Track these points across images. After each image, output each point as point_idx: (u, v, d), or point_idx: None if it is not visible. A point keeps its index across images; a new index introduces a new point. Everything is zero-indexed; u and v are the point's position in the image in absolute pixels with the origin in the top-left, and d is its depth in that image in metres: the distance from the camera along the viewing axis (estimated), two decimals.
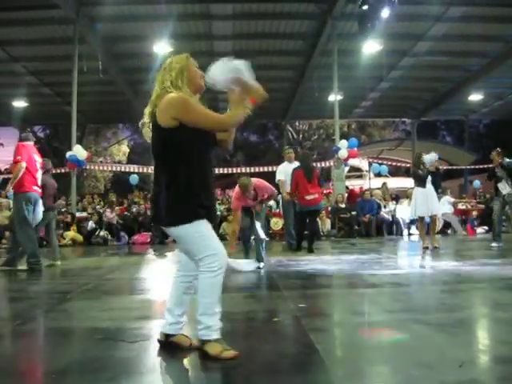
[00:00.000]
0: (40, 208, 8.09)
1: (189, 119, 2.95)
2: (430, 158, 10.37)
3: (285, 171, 10.70)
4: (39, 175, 8.06)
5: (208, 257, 2.93)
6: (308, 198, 9.68)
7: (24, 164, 7.66)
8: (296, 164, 10.62)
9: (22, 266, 7.81)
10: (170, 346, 3.07)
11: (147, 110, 3.09)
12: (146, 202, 17.75)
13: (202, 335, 2.90)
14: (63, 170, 17.82)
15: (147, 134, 3.12)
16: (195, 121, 2.97)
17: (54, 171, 20.71)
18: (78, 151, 15.39)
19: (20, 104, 22.89)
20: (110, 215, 15.57)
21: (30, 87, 21.18)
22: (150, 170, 22.43)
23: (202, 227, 3.02)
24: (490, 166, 10.65)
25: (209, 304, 2.94)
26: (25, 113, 24.17)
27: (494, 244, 10.07)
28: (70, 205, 17.23)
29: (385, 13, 12.56)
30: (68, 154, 15.61)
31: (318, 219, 13.73)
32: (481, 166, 25.18)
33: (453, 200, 16.90)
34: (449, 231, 16.79)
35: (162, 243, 14.55)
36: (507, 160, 10.29)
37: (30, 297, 5.42)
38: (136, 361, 2.86)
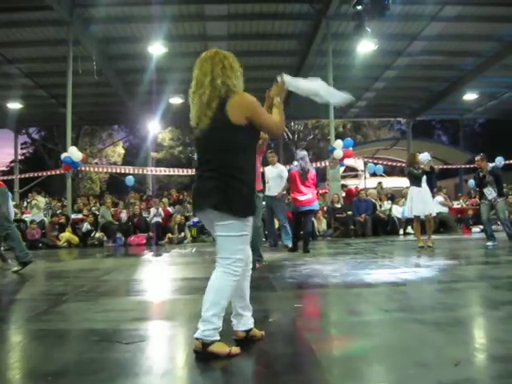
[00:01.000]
0: None
1: (259, 121, 3.16)
2: (423, 157, 10.40)
3: (266, 175, 10.92)
4: None
5: (237, 260, 3.10)
6: (301, 198, 9.71)
7: None
8: (278, 167, 10.99)
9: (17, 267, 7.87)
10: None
11: (206, 111, 3.20)
12: (141, 203, 17.73)
13: (210, 336, 2.93)
14: (58, 172, 17.79)
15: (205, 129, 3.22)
16: (263, 123, 3.20)
17: (49, 173, 20.83)
18: (73, 153, 15.35)
19: (15, 106, 22.81)
20: (126, 216, 15.62)
21: (25, 89, 21.11)
22: (146, 171, 22.45)
23: (249, 227, 3.17)
24: (475, 173, 10.73)
25: (223, 306, 3.03)
26: (20, 115, 24.11)
27: (489, 243, 10.10)
28: (66, 206, 17.21)
29: (379, 13, 12.57)
30: (63, 155, 15.57)
31: (313, 219, 13.76)
32: (476, 166, 25.25)
33: (441, 199, 16.85)
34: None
35: (157, 244, 14.57)
36: (493, 165, 10.41)
37: (26, 298, 5.41)
38: (132, 362, 2.86)
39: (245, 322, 3.27)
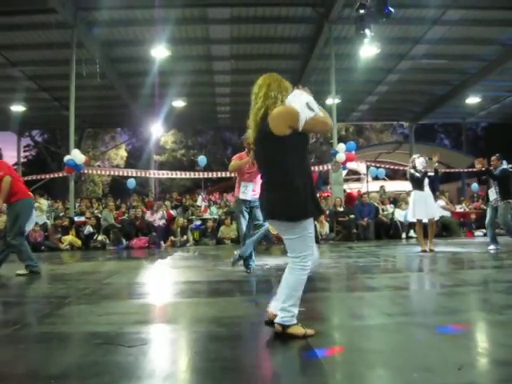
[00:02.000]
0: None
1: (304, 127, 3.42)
2: (419, 161, 10.42)
3: None
4: None
5: (306, 257, 3.42)
6: None
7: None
8: None
9: (22, 271, 7.87)
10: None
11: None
12: (143, 205, 17.73)
13: (287, 321, 3.36)
14: (61, 175, 17.80)
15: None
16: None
17: (52, 175, 20.84)
18: (76, 155, 15.37)
19: (18, 109, 22.85)
20: (152, 217, 15.63)
21: (28, 92, 21.17)
22: (148, 174, 22.45)
23: (312, 226, 3.50)
24: (484, 168, 10.66)
25: (297, 296, 3.44)
26: (23, 117, 24.16)
27: (491, 247, 10.09)
28: (69, 209, 17.21)
29: (382, 17, 12.57)
30: (66, 158, 15.58)
31: (315, 223, 13.84)
32: (491, 164, 25.20)
33: (442, 203, 16.84)
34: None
35: (160, 247, 14.57)
36: (504, 166, 10.40)
37: (29, 301, 5.41)
38: (135, 365, 2.86)
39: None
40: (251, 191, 7.26)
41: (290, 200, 3.39)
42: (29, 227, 8.37)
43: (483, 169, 10.57)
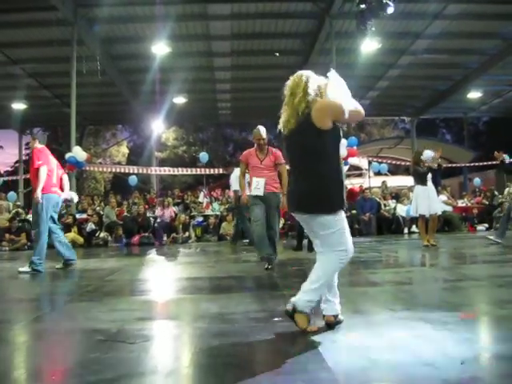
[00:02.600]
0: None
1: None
2: (427, 155, 10.37)
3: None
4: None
5: (341, 251, 3.46)
6: None
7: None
8: (232, 175, 12.25)
9: (58, 265, 8.13)
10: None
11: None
12: (145, 202, 17.73)
13: (301, 306, 3.43)
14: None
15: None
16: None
17: None
18: (78, 153, 15.34)
19: (19, 106, 22.83)
20: (161, 212, 15.67)
21: (29, 89, 21.14)
22: (149, 171, 22.45)
23: (343, 220, 3.51)
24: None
25: (322, 284, 3.48)
26: (24, 115, 24.13)
27: (493, 237, 10.05)
28: (71, 206, 17.22)
29: (383, 11, 12.54)
30: (67, 155, 15.55)
31: None
32: (480, 164, 25.17)
33: (444, 198, 16.83)
34: None
35: (162, 244, 14.59)
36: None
37: (32, 298, 5.42)
38: (137, 361, 2.86)
39: (332, 307, 3.59)
40: (263, 187, 7.28)
41: (331, 192, 3.46)
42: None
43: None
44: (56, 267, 8.05)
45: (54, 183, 8.12)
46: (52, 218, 8.06)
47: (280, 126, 3.68)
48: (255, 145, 7.45)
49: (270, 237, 7.35)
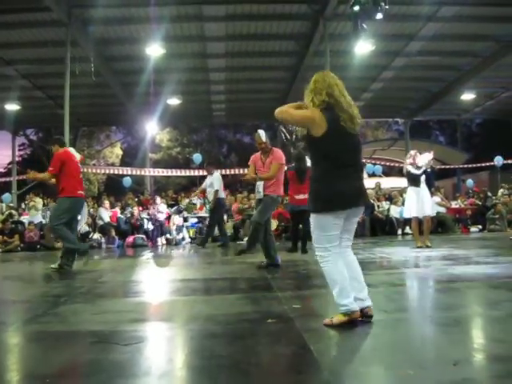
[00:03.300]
0: None
1: None
2: (424, 159, 10.39)
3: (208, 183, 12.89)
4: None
5: None
6: (298, 197, 9.66)
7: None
8: (213, 176, 12.80)
9: (53, 265, 8.07)
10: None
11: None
12: (139, 204, 17.69)
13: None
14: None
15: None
16: None
17: None
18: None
19: (12, 107, 22.72)
20: (154, 211, 15.66)
21: (23, 90, 21.05)
22: (143, 172, 22.41)
23: None
24: None
25: None
26: (17, 116, 24.00)
27: None
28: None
29: (376, 13, 12.57)
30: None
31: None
32: (474, 165, 25.26)
33: (438, 200, 16.88)
34: None
35: (156, 245, 14.58)
36: None
37: (24, 300, 5.40)
38: (130, 364, 2.85)
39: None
40: (262, 190, 7.32)
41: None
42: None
43: None
44: (51, 266, 8.02)
45: (79, 184, 8.17)
46: (70, 220, 8.09)
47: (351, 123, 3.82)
48: (260, 151, 7.48)
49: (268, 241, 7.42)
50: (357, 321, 3.51)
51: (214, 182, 12.61)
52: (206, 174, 13.74)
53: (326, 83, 3.76)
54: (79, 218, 8.69)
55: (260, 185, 7.36)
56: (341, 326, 3.58)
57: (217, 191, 12.46)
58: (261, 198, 7.35)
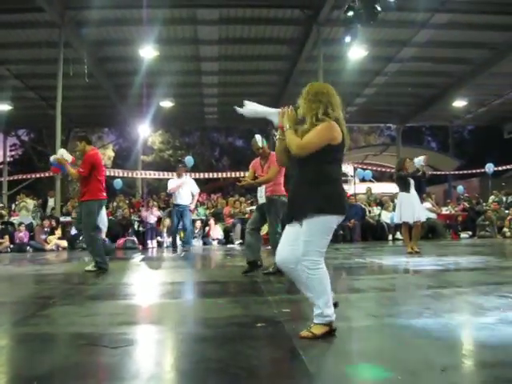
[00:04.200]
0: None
1: None
2: (418, 160, 10.44)
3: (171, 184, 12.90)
4: None
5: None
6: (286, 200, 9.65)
7: None
8: (184, 178, 12.88)
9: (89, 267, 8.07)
10: None
11: None
12: (130, 206, 17.64)
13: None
14: (47, 174, 17.70)
15: None
16: None
17: (38, 175, 20.73)
18: (63, 155, 15.20)
19: (4, 107, 22.62)
20: (146, 213, 15.62)
21: (15, 90, 20.98)
22: (135, 174, 22.36)
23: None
24: None
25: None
26: (9, 116, 23.90)
27: None
28: (55, 209, 17.11)
29: (370, 19, 12.61)
30: (52, 158, 15.41)
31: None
32: (465, 172, 25.38)
33: (429, 206, 16.95)
34: None
35: (146, 247, 14.54)
36: None
37: (13, 302, 5.37)
38: (119, 366, 2.84)
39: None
40: (264, 194, 7.29)
41: None
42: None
43: None
44: (85, 269, 8.04)
45: (104, 188, 8.18)
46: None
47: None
48: (259, 156, 7.45)
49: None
50: (335, 330, 3.45)
51: (193, 185, 12.76)
52: (197, 177, 13.78)
53: (337, 99, 3.78)
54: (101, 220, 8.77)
55: (261, 189, 7.33)
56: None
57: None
58: (263, 202, 7.31)
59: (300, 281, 3.54)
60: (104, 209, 9.12)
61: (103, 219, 8.94)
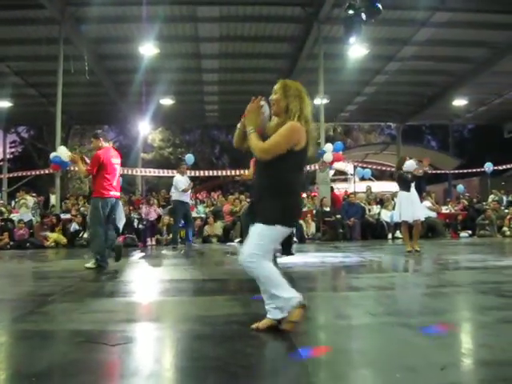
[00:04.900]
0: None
1: None
2: (409, 165, 10.39)
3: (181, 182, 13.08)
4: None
5: None
6: None
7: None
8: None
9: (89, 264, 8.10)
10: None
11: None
12: (129, 204, 17.63)
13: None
14: (47, 172, 17.69)
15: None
16: None
17: (38, 172, 20.71)
18: (63, 152, 15.22)
19: (4, 104, 22.63)
20: (146, 210, 15.62)
21: (15, 87, 20.98)
22: (135, 172, 22.37)
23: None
24: None
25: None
26: (9, 113, 23.92)
27: None
28: (54, 206, 17.10)
29: (371, 17, 12.60)
30: (52, 155, 15.43)
31: (302, 222, 14.27)
32: (465, 171, 25.37)
33: (429, 204, 16.95)
34: None
35: (146, 245, 14.54)
36: None
37: (11, 299, 5.36)
38: (118, 364, 2.84)
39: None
40: None
41: None
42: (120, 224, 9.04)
43: None
44: (85, 266, 8.08)
45: (113, 186, 8.17)
46: (108, 219, 8.18)
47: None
48: None
49: None
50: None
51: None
52: (197, 174, 13.85)
53: (307, 100, 3.64)
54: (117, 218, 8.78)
55: None
56: (328, 329, 3.58)
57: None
58: None
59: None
60: (121, 206, 9.15)
61: (120, 216, 8.93)
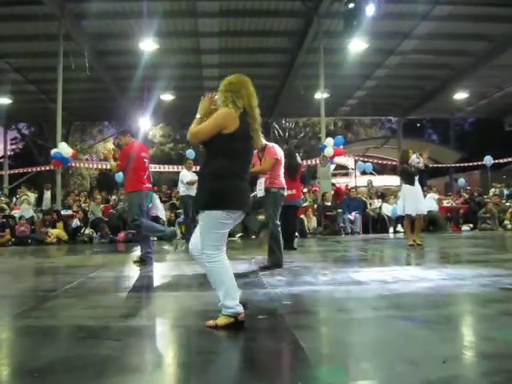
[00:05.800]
0: None
1: None
2: (414, 160, 10.40)
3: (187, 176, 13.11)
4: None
5: None
6: (287, 192, 9.63)
7: None
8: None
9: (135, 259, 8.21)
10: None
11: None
12: None
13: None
14: (48, 168, 17.69)
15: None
16: None
17: (39, 169, 20.71)
18: (63, 149, 15.24)
19: (4, 101, 22.60)
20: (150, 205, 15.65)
21: (15, 84, 20.96)
22: None
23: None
24: None
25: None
26: (9, 110, 23.91)
27: None
28: (55, 203, 17.11)
29: (370, 11, 12.59)
30: (53, 151, 15.42)
31: (303, 216, 14.24)
32: (466, 164, 25.35)
33: (437, 197, 17.01)
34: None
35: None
36: None
37: (14, 295, 5.37)
38: (120, 359, 2.84)
39: None
40: (263, 187, 7.28)
41: None
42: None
43: None
44: (133, 261, 8.18)
45: (144, 178, 8.14)
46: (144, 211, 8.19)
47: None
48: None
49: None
50: (242, 322, 3.46)
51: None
52: (198, 170, 13.88)
53: (248, 90, 3.71)
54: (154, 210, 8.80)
55: (261, 182, 7.32)
56: (330, 324, 3.59)
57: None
58: (262, 195, 7.30)
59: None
60: (157, 198, 9.12)
61: (158, 207, 8.98)
